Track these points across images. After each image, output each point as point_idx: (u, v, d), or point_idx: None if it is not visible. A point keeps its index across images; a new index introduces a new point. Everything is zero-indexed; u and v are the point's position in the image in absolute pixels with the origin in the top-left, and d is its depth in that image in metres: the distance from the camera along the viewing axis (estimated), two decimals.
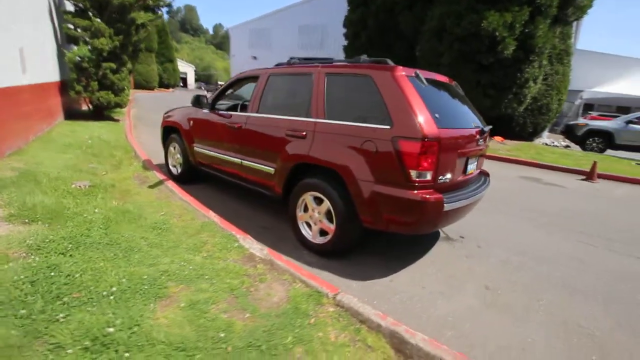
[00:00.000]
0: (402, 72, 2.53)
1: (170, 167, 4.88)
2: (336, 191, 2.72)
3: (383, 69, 2.58)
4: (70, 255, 2.40)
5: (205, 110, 4.07)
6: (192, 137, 4.27)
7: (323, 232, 2.94)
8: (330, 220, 2.83)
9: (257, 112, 3.41)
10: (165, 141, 4.94)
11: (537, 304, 2.51)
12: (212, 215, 3.42)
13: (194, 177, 4.73)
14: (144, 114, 13.00)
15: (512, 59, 8.47)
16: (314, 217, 2.94)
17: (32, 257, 2.34)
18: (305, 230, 3.05)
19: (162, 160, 5.74)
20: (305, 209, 3.04)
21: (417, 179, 2.34)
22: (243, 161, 3.52)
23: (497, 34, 7.97)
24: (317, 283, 2.34)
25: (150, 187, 4.28)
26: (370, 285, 2.58)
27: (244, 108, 4.44)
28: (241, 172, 3.58)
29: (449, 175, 2.53)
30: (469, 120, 2.92)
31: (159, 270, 2.36)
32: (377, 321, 1.98)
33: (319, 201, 2.90)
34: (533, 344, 2.07)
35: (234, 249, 2.80)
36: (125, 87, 9.34)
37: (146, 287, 2.16)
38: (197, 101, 3.95)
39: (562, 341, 2.13)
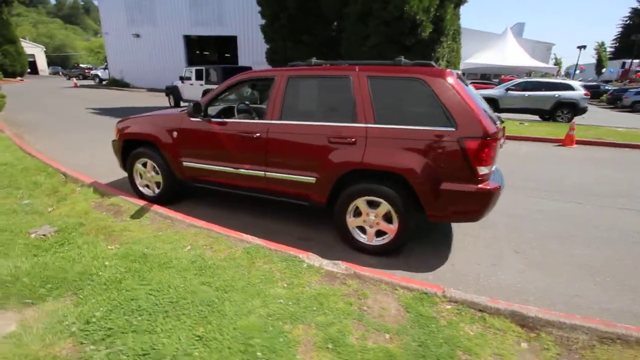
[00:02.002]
0: (453, 74, 2.69)
1: (140, 188, 4.08)
2: (396, 193, 2.80)
3: (436, 72, 2.69)
4: (148, 333, 1.93)
5: (196, 119, 3.50)
6: (178, 150, 3.64)
7: (379, 234, 3.01)
8: (389, 221, 2.92)
9: (279, 119, 3.13)
10: (126, 158, 4.07)
11: (557, 256, 3.16)
12: (250, 238, 3.10)
13: (177, 195, 4.09)
14: (18, 118, 10.11)
15: (428, 39, 9.49)
16: (369, 220, 2.98)
17: (96, 350, 1.80)
18: (358, 235, 3.07)
19: (108, 178, 4.77)
20: (356, 214, 3.04)
21: (482, 174, 2.61)
22: (267, 173, 3.23)
23: (417, 17, 8.77)
24: (417, 285, 2.46)
25: (134, 217, 3.55)
26: (442, 273, 2.83)
27: (243, 113, 4.01)
28: (266, 185, 3.29)
29: (494, 166, 2.89)
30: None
31: (262, 316, 2.11)
32: (493, 306, 2.24)
33: (373, 204, 2.94)
34: (582, 289, 2.67)
35: (306, 270, 2.65)
36: None
37: (268, 335, 1.94)
38: (196, 109, 3.35)
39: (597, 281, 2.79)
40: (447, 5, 9.48)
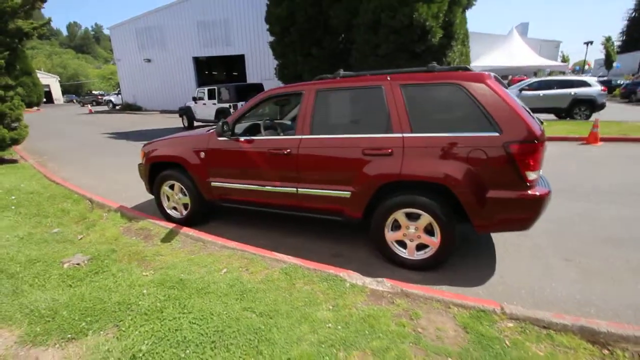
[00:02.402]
0: (491, 77, 2.60)
1: (168, 210, 4.05)
2: (438, 204, 2.68)
3: (474, 76, 2.60)
4: None
5: (224, 138, 3.47)
6: (206, 171, 3.60)
7: (420, 247, 2.88)
8: (430, 234, 2.79)
9: (310, 133, 3.07)
10: (152, 181, 4.05)
11: (611, 262, 2.96)
12: (285, 257, 3.00)
13: (204, 216, 4.03)
14: (38, 146, 10.38)
15: (438, 45, 9.45)
16: (409, 233, 2.85)
17: None
18: (398, 249, 2.94)
19: (132, 202, 4.77)
20: (394, 228, 2.92)
21: (531, 179, 2.47)
22: (299, 189, 3.15)
23: (427, 24, 8.76)
24: (472, 302, 2.30)
25: (164, 240, 3.50)
26: (493, 287, 2.67)
27: (269, 129, 3.98)
28: (298, 201, 3.20)
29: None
30: None
31: (314, 344, 1.99)
32: (559, 322, 2.07)
33: (412, 217, 2.82)
34: None
35: (349, 290, 2.53)
36: (20, 117, 7.22)
37: None
38: (224, 129, 3.32)
39: None
40: (456, 9, 9.45)
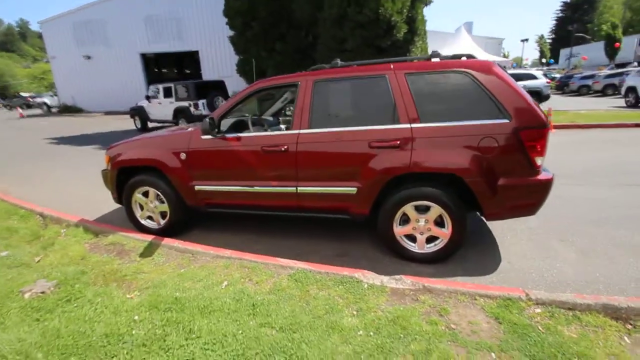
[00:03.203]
0: (496, 65, 2.57)
1: (142, 220, 3.59)
2: (449, 195, 2.63)
3: (481, 63, 2.56)
4: None
5: (208, 137, 3.12)
6: (189, 174, 3.23)
7: (429, 240, 2.81)
8: (441, 226, 2.73)
9: (309, 127, 2.85)
10: (120, 188, 3.57)
11: (601, 240, 3.12)
12: (290, 262, 2.76)
13: (186, 224, 3.64)
14: None
15: (403, 40, 9.63)
16: (419, 227, 2.76)
17: None
18: (407, 244, 2.84)
19: (96, 214, 4.22)
20: (403, 222, 2.82)
21: (539, 165, 2.50)
22: (300, 188, 2.93)
23: (392, 19, 8.86)
24: (497, 291, 2.27)
25: (144, 255, 3.09)
26: (505, 274, 2.67)
27: (256, 125, 3.67)
28: (297, 201, 2.98)
29: None
30: None
31: (351, 356, 1.81)
32: (583, 302, 2.09)
33: (422, 209, 2.73)
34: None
35: (369, 292, 2.37)
36: None
37: None
38: (210, 126, 2.97)
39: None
40: (418, 6, 9.71)
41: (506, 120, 2.45)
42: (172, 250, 3.14)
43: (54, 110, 26.44)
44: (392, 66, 2.72)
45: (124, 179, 3.55)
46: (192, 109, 11.62)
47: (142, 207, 3.58)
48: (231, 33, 11.60)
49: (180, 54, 22.70)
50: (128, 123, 14.62)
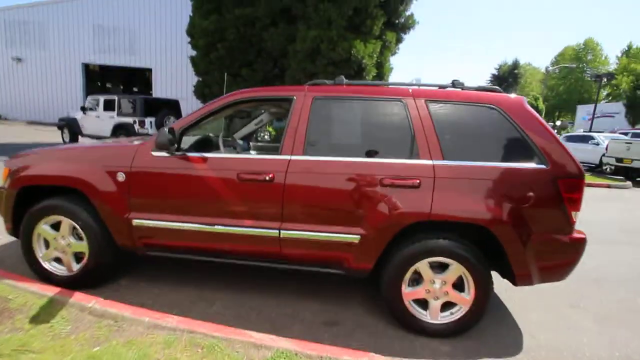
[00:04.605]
0: (527, 102, 2.25)
1: (45, 263, 2.51)
2: (474, 251, 2.12)
3: (513, 99, 2.21)
4: None
5: (162, 154, 2.31)
6: (125, 202, 2.33)
7: (445, 306, 2.24)
8: (460, 289, 2.19)
9: (303, 153, 2.22)
10: (20, 215, 2.50)
11: (613, 304, 2.82)
12: (266, 338, 1.95)
13: (112, 271, 2.63)
14: None
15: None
16: (434, 290, 2.19)
17: None
18: (417, 311, 2.23)
19: None
20: (414, 282, 2.22)
21: (574, 220, 2.13)
22: (284, 231, 2.21)
23: (364, 61, 8.97)
24: None
25: (37, 320, 2.05)
26: (535, 351, 2.16)
27: (228, 146, 2.91)
28: (280, 248, 2.24)
29: None
30: None
31: None
32: None
33: (438, 267, 2.18)
34: None
35: None
36: None
37: None
38: (169, 140, 2.17)
39: None
40: (386, 52, 10.09)
41: (544, 166, 2.07)
42: (84, 314, 2.13)
43: None
44: (410, 90, 2.27)
45: (25, 202, 2.50)
46: (136, 126, 10.30)
47: (47, 244, 2.52)
48: (192, 53, 10.89)
49: (130, 70, 21.07)
50: (54, 135, 12.56)
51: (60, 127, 12.13)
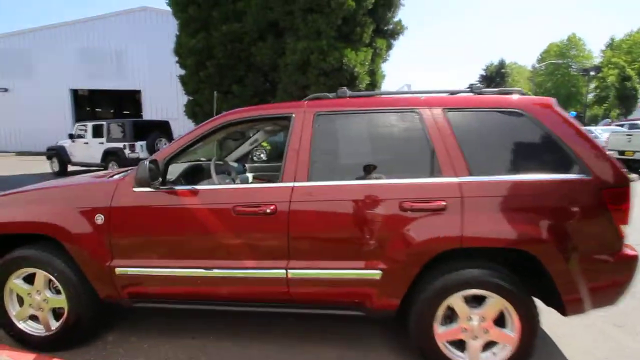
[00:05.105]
0: (555, 102, 1.99)
1: (19, 323, 2.17)
2: (515, 280, 1.83)
3: (541, 102, 1.95)
4: None
5: (146, 189, 2.00)
6: (106, 247, 2.01)
7: (485, 347, 1.92)
8: (502, 325, 1.88)
9: (308, 179, 1.93)
10: None
11: None
12: None
13: (95, 327, 2.29)
14: None
15: (365, 90, 9.60)
16: (472, 327, 1.88)
17: None
18: (453, 354, 1.91)
19: None
20: (448, 320, 1.92)
21: (624, 235, 1.85)
22: (292, 271, 1.90)
23: (355, 70, 8.78)
24: None
25: None
26: None
27: (220, 172, 2.62)
28: (288, 289, 1.92)
29: None
30: None
31: None
32: None
33: (474, 301, 1.88)
34: None
35: None
36: None
37: None
38: (152, 173, 1.87)
39: None
40: (377, 60, 9.92)
41: (585, 176, 1.80)
42: None
43: None
44: (423, 98, 2.01)
45: None
46: (127, 151, 10.00)
47: (21, 301, 2.18)
48: (181, 72, 10.66)
49: (119, 93, 20.87)
50: (44, 166, 12.18)
51: (49, 157, 11.80)
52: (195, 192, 2.01)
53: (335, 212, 1.88)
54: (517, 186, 1.81)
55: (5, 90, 19.62)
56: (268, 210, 1.87)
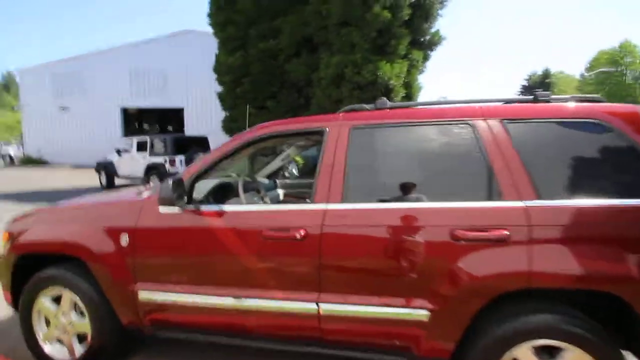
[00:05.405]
0: None
1: (45, 346, 2.12)
2: (595, 328, 1.46)
3: (627, 110, 1.61)
4: None
5: (171, 210, 1.89)
6: (130, 271, 1.92)
7: None
8: None
9: (342, 200, 1.71)
10: (20, 287, 2.16)
11: None
12: None
13: (120, 353, 2.19)
14: None
15: None
16: None
17: None
18: None
19: None
20: None
21: None
22: (324, 305, 1.67)
23: (390, 82, 8.56)
24: None
25: None
26: None
27: (249, 190, 2.50)
28: (318, 327, 1.69)
29: None
30: None
31: None
32: None
33: (545, 353, 1.53)
34: None
35: None
36: None
37: None
38: (177, 192, 1.76)
39: None
40: (414, 72, 9.64)
41: None
42: None
43: (16, 162, 24.33)
44: (478, 108, 1.74)
45: (26, 271, 2.16)
46: (167, 165, 10.41)
47: (48, 323, 2.14)
48: (219, 89, 11.07)
49: (164, 111, 22.20)
50: (93, 179, 13.06)
51: (98, 170, 12.62)
52: (220, 214, 1.86)
53: (373, 239, 1.64)
54: (599, 212, 1.47)
55: (64, 108, 21.59)
56: (297, 236, 1.67)
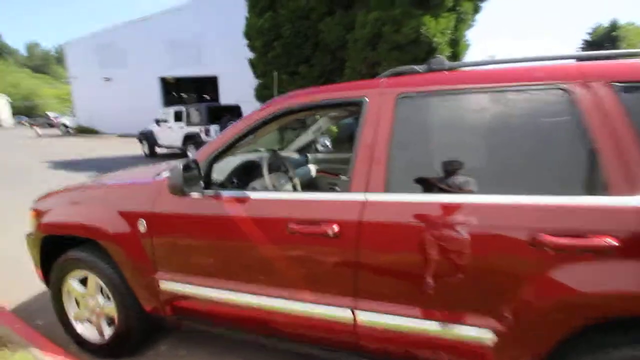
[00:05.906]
0: None
1: (76, 324, 2.12)
2: None
3: None
4: None
5: (193, 195, 1.68)
6: (149, 259, 1.78)
7: None
8: None
9: (386, 189, 1.38)
10: (49, 267, 2.14)
11: None
12: None
13: (147, 337, 2.13)
14: None
15: None
16: None
17: None
18: None
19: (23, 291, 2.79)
20: None
21: None
22: (359, 312, 1.42)
23: (435, 40, 7.64)
24: None
25: None
26: None
27: (275, 168, 2.26)
28: (354, 337, 1.46)
29: None
30: None
31: None
32: None
33: None
34: None
35: None
36: None
37: None
38: (189, 177, 1.54)
39: None
40: (461, 27, 8.52)
41: None
42: None
43: (71, 131, 26.23)
44: (575, 67, 1.27)
45: (53, 250, 2.13)
46: (202, 134, 10.50)
47: (78, 303, 2.12)
48: (251, 55, 10.65)
49: (200, 79, 22.34)
50: (137, 147, 13.65)
51: (140, 140, 13.12)
52: (241, 200, 1.62)
53: (425, 240, 1.31)
54: None
55: (108, 79, 22.46)
56: (330, 233, 1.39)
